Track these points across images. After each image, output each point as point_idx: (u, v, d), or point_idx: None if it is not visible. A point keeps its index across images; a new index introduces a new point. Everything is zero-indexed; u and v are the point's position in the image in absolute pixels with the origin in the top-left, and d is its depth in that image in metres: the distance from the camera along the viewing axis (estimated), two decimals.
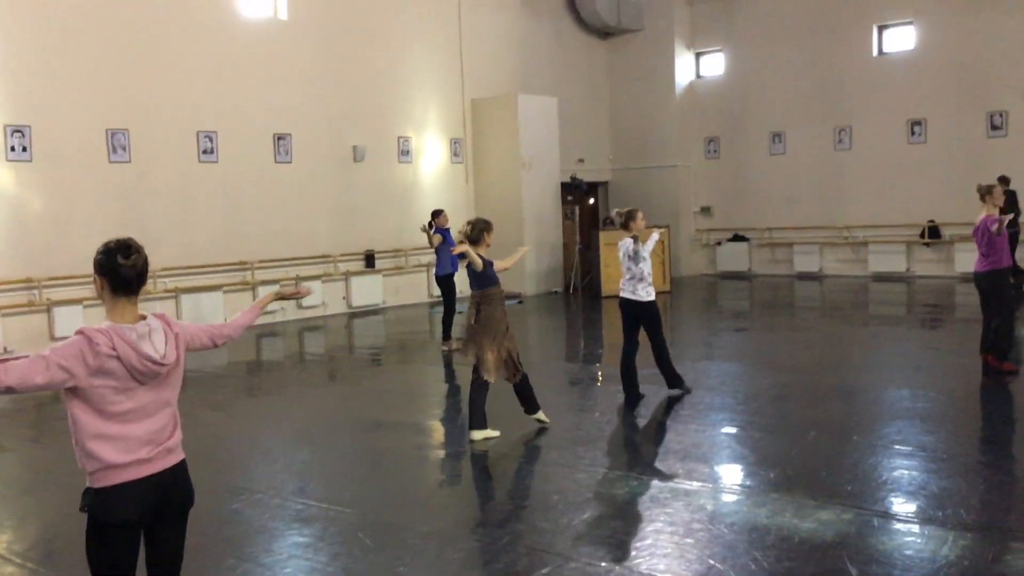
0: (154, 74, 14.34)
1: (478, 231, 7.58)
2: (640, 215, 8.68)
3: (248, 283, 15.45)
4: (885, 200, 19.37)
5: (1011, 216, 17.08)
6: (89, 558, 3.36)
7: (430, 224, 12.75)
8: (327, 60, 16.71)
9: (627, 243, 8.53)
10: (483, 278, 7.55)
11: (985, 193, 9.20)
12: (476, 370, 7.57)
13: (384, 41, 17.69)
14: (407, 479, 6.94)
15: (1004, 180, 17.34)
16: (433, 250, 12.93)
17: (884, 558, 4.85)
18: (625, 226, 8.64)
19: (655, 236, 9.00)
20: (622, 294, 8.68)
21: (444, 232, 12.68)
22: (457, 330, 12.37)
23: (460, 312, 12.58)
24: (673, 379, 8.92)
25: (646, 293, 8.57)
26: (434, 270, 13.08)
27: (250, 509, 6.17)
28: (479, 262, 7.44)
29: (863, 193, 19.74)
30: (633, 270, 8.54)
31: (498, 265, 7.72)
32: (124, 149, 14.04)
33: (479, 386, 7.57)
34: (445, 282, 12.69)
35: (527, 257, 18.22)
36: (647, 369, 8.96)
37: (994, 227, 8.86)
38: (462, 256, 7.51)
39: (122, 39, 13.96)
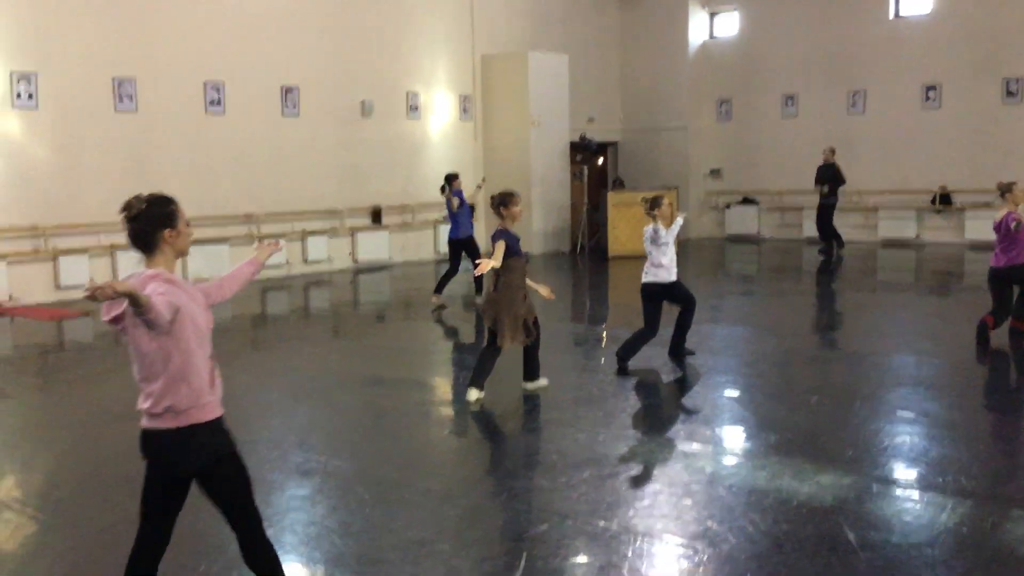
0: (161, 22, 14.18)
1: (496, 204, 7.59)
2: (666, 202, 8.61)
3: (254, 236, 15.41)
4: (897, 165, 19.19)
5: (825, 188, 17.22)
6: None
7: (442, 188, 12.66)
8: (336, 11, 16.49)
9: (649, 229, 8.52)
10: (506, 251, 7.52)
11: (1005, 191, 9.15)
12: (492, 334, 7.62)
13: None
14: (407, 435, 6.94)
15: (831, 151, 17.39)
16: (451, 213, 12.69)
17: (882, 524, 4.84)
18: (650, 213, 8.59)
19: (679, 221, 8.86)
20: (644, 279, 8.63)
21: (459, 194, 12.57)
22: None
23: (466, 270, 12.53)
24: (678, 350, 8.89)
25: (668, 275, 8.56)
26: (449, 232, 12.80)
27: (249, 461, 6.13)
28: (500, 263, 7.41)
29: (875, 158, 19.52)
30: (655, 255, 8.54)
31: (487, 263, 7.50)
32: (131, 99, 13.92)
33: (492, 350, 7.64)
34: (467, 244, 12.59)
35: (534, 216, 18.15)
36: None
37: (1013, 225, 8.84)
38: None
39: None
